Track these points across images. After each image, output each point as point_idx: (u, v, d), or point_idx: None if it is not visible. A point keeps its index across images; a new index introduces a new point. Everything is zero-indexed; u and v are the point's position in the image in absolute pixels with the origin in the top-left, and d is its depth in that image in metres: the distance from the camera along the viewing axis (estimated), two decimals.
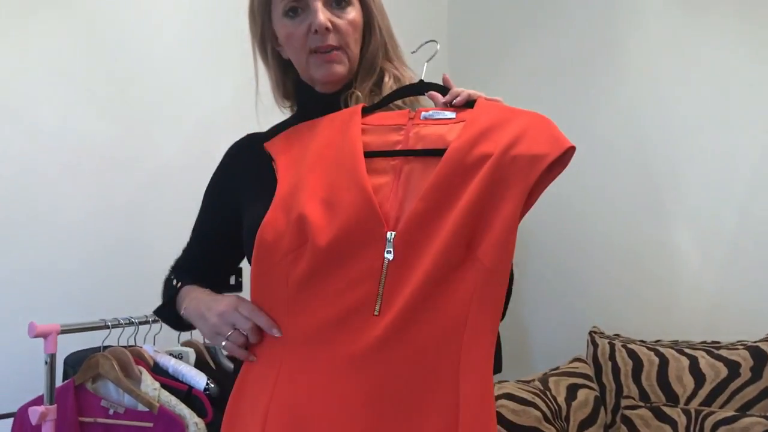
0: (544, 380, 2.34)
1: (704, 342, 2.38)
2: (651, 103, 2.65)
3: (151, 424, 1.68)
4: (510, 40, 3.13)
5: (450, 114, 1.02)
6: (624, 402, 2.29)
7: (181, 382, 1.80)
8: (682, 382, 2.26)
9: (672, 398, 2.27)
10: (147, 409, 1.69)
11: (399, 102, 1.13)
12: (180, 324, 1.20)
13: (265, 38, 1.19)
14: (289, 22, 1.12)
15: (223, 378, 1.83)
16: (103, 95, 2.24)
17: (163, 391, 1.74)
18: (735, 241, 2.46)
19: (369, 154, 1.00)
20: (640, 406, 2.24)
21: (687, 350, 2.32)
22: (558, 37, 2.95)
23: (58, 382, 1.75)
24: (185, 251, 1.29)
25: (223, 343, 1.02)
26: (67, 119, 2.16)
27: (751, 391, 2.19)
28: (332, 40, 1.11)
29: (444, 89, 1.07)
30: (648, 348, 2.38)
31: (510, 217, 0.89)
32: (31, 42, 2.10)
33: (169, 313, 1.20)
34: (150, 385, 1.73)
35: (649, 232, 2.64)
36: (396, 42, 1.22)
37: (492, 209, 0.90)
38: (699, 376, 2.24)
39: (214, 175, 1.26)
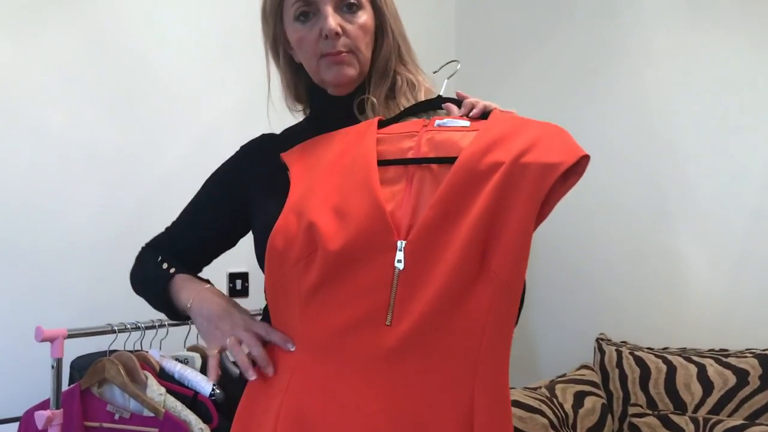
0: (550, 387, 2.33)
1: (712, 350, 2.36)
2: (658, 109, 2.64)
3: (156, 430, 1.68)
4: (516, 49, 3.13)
5: (464, 123, 1.01)
6: (631, 410, 2.28)
7: (187, 387, 1.80)
8: (690, 390, 2.24)
9: (680, 406, 2.25)
10: (152, 415, 1.69)
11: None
12: (168, 309, 1.17)
13: (277, 41, 1.19)
14: (300, 26, 1.12)
15: (229, 384, 1.82)
16: (109, 100, 2.24)
17: (168, 396, 1.73)
18: (744, 248, 2.44)
19: (382, 162, 0.99)
20: (648, 414, 2.22)
21: (695, 358, 2.31)
22: (564, 45, 2.94)
23: (64, 386, 1.75)
24: (170, 232, 1.27)
25: (238, 358, 1.00)
26: (74, 124, 2.17)
27: (760, 400, 2.18)
28: (342, 45, 1.10)
29: (460, 103, 1.07)
30: (656, 355, 2.37)
31: (523, 227, 0.88)
32: (39, 47, 2.11)
33: (156, 295, 1.18)
34: (156, 390, 1.73)
35: (657, 238, 2.62)
36: (409, 45, 1.21)
37: (504, 218, 0.89)
38: (707, 384, 2.23)
39: (225, 165, 1.25)
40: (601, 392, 2.40)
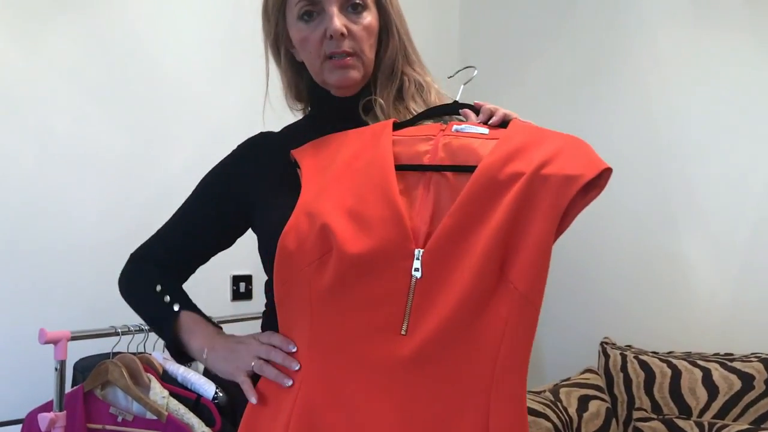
0: (555, 391, 2.32)
1: (717, 354, 2.36)
2: (664, 114, 2.64)
3: None
4: (520, 52, 3.13)
5: (483, 130, 1.00)
6: (636, 414, 2.27)
7: (190, 390, 1.79)
8: (695, 394, 2.24)
9: (685, 411, 2.24)
10: (155, 417, 1.69)
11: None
12: (172, 346, 1.13)
13: (279, 39, 1.17)
14: (304, 26, 1.10)
15: (232, 387, 1.82)
16: (115, 103, 2.24)
17: (171, 399, 1.73)
18: (749, 252, 2.43)
19: (399, 167, 0.97)
20: (653, 419, 2.22)
21: (700, 362, 2.30)
22: (568, 48, 2.94)
23: (67, 388, 1.75)
24: (161, 239, 1.22)
25: (263, 369, 0.99)
26: (80, 127, 2.17)
27: (765, 404, 2.17)
28: (347, 45, 1.09)
29: (477, 111, 1.06)
30: (660, 359, 2.36)
31: (543, 239, 0.86)
32: (46, 51, 2.11)
33: (160, 331, 1.16)
34: (159, 393, 1.73)
35: (662, 242, 2.62)
36: (415, 46, 1.20)
37: (524, 230, 0.87)
38: (712, 389, 2.22)
39: (222, 165, 1.22)
40: (605, 396, 2.39)
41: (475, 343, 0.87)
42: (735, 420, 2.17)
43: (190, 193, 1.23)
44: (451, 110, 1.08)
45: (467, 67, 1.13)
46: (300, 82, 1.21)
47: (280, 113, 1.23)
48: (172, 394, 1.75)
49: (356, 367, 0.91)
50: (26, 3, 2.07)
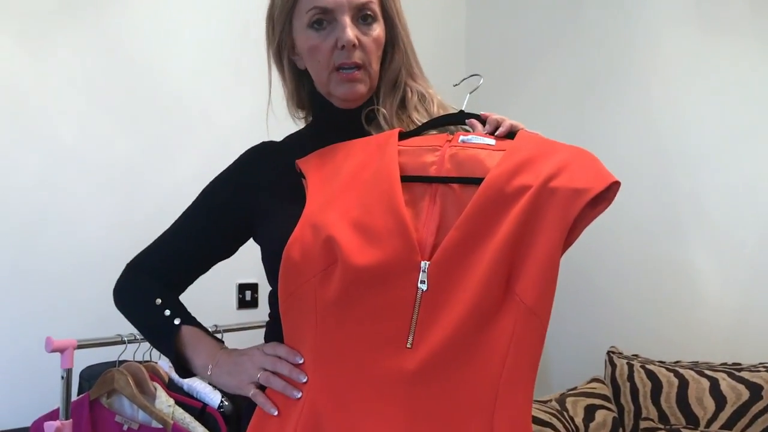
0: (561, 401, 2.31)
1: (725, 363, 2.34)
2: (671, 122, 2.64)
3: None
4: (526, 60, 3.13)
5: (490, 140, 0.99)
6: (643, 424, 2.26)
7: (196, 399, 1.79)
8: (703, 404, 2.22)
9: (692, 421, 2.23)
10: (161, 426, 1.69)
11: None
12: (173, 359, 1.12)
13: (282, 46, 1.16)
14: (314, 34, 1.09)
15: (238, 396, 1.82)
16: (122, 113, 2.26)
17: (177, 407, 1.73)
18: (756, 261, 2.42)
19: (405, 179, 0.97)
20: (660, 429, 2.20)
21: (707, 372, 2.29)
22: (576, 56, 2.94)
23: (74, 396, 1.76)
24: (159, 248, 1.21)
25: (270, 380, 0.98)
26: (87, 136, 2.18)
27: None
28: (357, 57, 1.08)
29: (484, 121, 1.05)
30: (667, 369, 2.35)
31: (550, 253, 0.86)
32: (52, 60, 2.13)
33: (159, 345, 1.15)
34: (165, 401, 1.73)
35: (668, 251, 2.61)
36: (417, 59, 1.19)
37: (531, 243, 0.87)
38: (720, 399, 2.21)
39: (224, 174, 1.21)
40: (612, 406, 2.38)
41: (480, 357, 0.86)
42: (743, 431, 2.15)
43: (196, 197, 1.22)
44: (457, 120, 1.08)
45: (473, 75, 1.13)
46: (301, 89, 1.20)
47: (283, 122, 1.24)
48: (178, 403, 1.75)
49: (362, 380, 0.90)
50: (34, 12, 2.09)
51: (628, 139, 2.73)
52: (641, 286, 2.67)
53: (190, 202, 1.22)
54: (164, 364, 1.87)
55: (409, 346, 0.88)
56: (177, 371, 1.13)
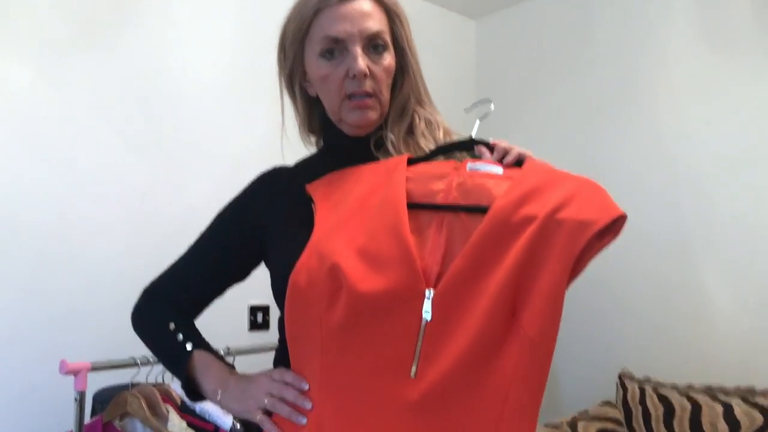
0: (572, 424, 2.30)
1: (738, 387, 2.32)
2: (681, 144, 2.64)
3: None
4: (538, 83, 3.16)
5: (497, 169, 0.99)
6: None
7: (208, 421, 1.80)
8: (717, 429, 2.20)
9: None
10: None
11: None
12: (184, 383, 1.14)
13: (294, 74, 1.17)
14: (326, 63, 1.10)
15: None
16: (137, 138, 2.30)
17: (189, 430, 1.74)
18: None
19: (412, 206, 0.96)
20: None
21: (721, 396, 2.26)
22: (585, 78, 2.97)
23: (87, 419, 1.77)
24: (175, 273, 1.23)
25: (276, 406, 0.99)
26: (102, 159, 2.22)
27: None
28: (368, 86, 1.09)
29: (492, 148, 1.05)
30: (680, 393, 2.33)
31: (555, 285, 0.85)
32: (71, 86, 2.17)
33: (171, 369, 1.17)
34: (177, 424, 1.73)
35: (680, 273, 2.60)
36: (426, 86, 1.21)
37: (536, 274, 0.86)
38: (734, 424, 2.18)
39: (237, 199, 1.23)
40: (624, 430, 2.36)
41: (483, 388, 0.86)
42: None
43: (209, 222, 1.25)
44: (466, 146, 1.08)
45: (483, 100, 1.13)
46: (312, 115, 1.22)
47: (296, 146, 1.26)
48: (190, 425, 1.75)
49: (366, 408, 0.90)
50: (52, 40, 2.14)
51: (638, 161, 2.74)
52: (652, 308, 2.66)
53: (203, 226, 1.24)
54: (177, 387, 1.88)
55: (412, 375, 0.88)
56: (187, 395, 1.14)
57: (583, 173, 0.99)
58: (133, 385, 1.81)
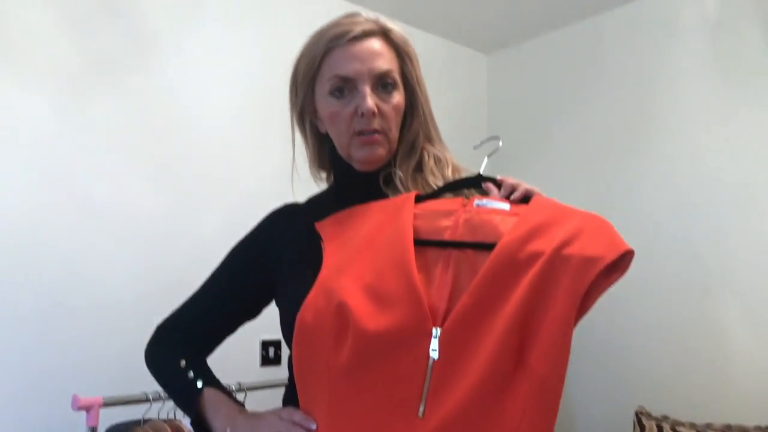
0: None
1: (759, 427, 2.27)
2: (695, 176, 2.63)
3: None
4: (549, 117, 3.17)
5: (504, 205, 0.99)
6: None
7: None
8: None
9: None
10: None
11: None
12: (194, 420, 1.15)
13: (305, 111, 1.19)
14: (335, 101, 1.12)
15: None
16: (151, 172, 2.32)
17: None
18: None
19: (419, 243, 0.97)
20: None
21: None
22: (597, 113, 2.97)
23: None
24: (188, 310, 1.25)
25: None
26: (117, 192, 2.24)
27: None
28: (377, 124, 1.11)
29: (500, 184, 1.06)
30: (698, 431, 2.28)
31: (563, 322, 0.84)
32: (86, 120, 2.20)
33: (182, 406, 1.18)
34: None
35: (696, 309, 2.57)
36: (435, 124, 1.22)
37: (543, 311, 0.85)
38: None
39: (249, 237, 1.24)
40: None
41: (493, 427, 0.85)
42: None
43: (222, 259, 1.26)
44: (474, 183, 1.09)
45: (491, 138, 1.15)
46: (322, 152, 1.24)
47: (306, 182, 1.27)
48: None
49: None
50: (68, 74, 2.17)
51: (651, 195, 2.73)
52: (669, 345, 2.62)
53: (216, 261, 1.26)
54: (188, 423, 1.87)
55: (420, 415, 0.87)
56: (192, 422, 1.15)
57: (596, 209, 0.99)
58: (145, 421, 1.81)
